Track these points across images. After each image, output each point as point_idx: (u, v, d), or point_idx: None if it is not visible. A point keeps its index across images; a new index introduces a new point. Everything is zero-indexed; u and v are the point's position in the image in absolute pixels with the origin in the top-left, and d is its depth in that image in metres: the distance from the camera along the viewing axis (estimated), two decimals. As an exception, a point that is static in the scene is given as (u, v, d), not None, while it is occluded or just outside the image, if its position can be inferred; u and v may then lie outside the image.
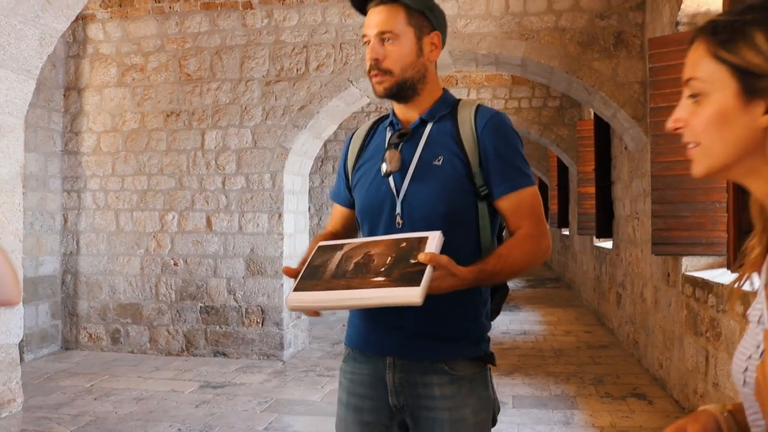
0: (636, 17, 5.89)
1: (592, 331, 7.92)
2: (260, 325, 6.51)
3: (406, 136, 1.74)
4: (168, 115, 6.82)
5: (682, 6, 4.68)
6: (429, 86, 1.76)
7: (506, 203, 1.66)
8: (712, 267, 4.72)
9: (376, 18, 1.68)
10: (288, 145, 6.49)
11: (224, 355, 6.58)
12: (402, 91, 1.72)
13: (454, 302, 1.66)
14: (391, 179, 1.72)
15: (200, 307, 6.67)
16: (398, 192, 1.70)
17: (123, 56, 6.98)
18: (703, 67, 0.90)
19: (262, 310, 6.51)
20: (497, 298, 1.81)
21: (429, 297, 1.56)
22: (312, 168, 7.42)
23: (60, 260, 7.10)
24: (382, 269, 1.47)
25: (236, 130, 6.64)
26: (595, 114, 7.66)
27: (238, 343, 6.56)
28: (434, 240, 1.48)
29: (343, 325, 8.53)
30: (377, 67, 1.69)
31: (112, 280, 6.93)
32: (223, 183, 6.65)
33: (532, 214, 1.66)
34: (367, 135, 1.90)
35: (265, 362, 6.38)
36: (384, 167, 1.72)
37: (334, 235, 1.85)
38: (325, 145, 11.07)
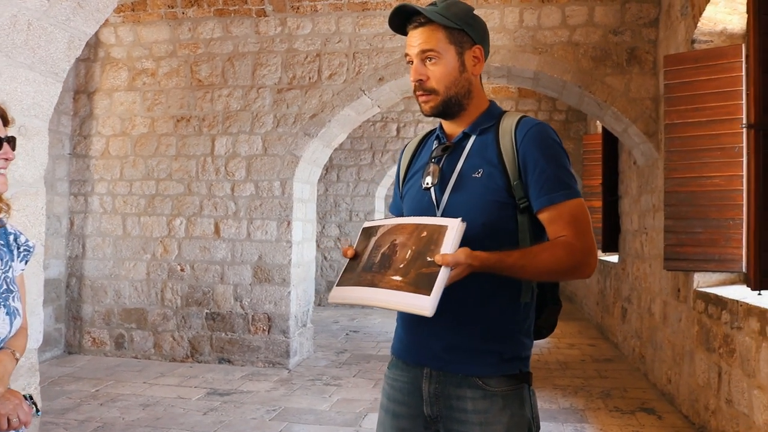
0: (649, 34, 5.92)
1: (596, 344, 7.92)
2: (266, 332, 6.48)
3: (449, 150, 1.76)
4: (178, 121, 6.82)
5: (699, 24, 4.71)
6: (475, 100, 1.77)
7: (545, 216, 1.63)
8: (723, 283, 4.73)
9: (417, 39, 1.70)
10: (299, 153, 6.49)
11: (229, 362, 6.55)
12: (448, 108, 1.74)
13: (490, 316, 1.66)
14: (432, 192, 1.73)
15: (206, 313, 6.64)
16: (438, 205, 1.71)
17: (134, 60, 6.98)
18: None
19: (269, 318, 6.49)
20: (547, 312, 1.79)
21: (466, 310, 1.65)
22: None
23: (65, 264, 7.07)
24: (401, 266, 1.50)
25: (247, 136, 6.63)
26: (603, 128, 7.68)
27: (244, 351, 6.53)
28: (452, 231, 1.47)
29: (347, 334, 8.53)
30: (422, 88, 1.71)
31: (118, 285, 6.90)
32: (232, 189, 6.64)
33: (574, 226, 1.60)
34: (417, 148, 1.92)
35: (270, 370, 6.35)
36: (425, 181, 1.74)
37: None
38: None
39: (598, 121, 8.66)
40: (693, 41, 4.84)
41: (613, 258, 8.06)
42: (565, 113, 10.51)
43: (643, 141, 5.90)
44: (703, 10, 4.58)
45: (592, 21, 6.03)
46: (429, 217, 1.62)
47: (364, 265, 1.59)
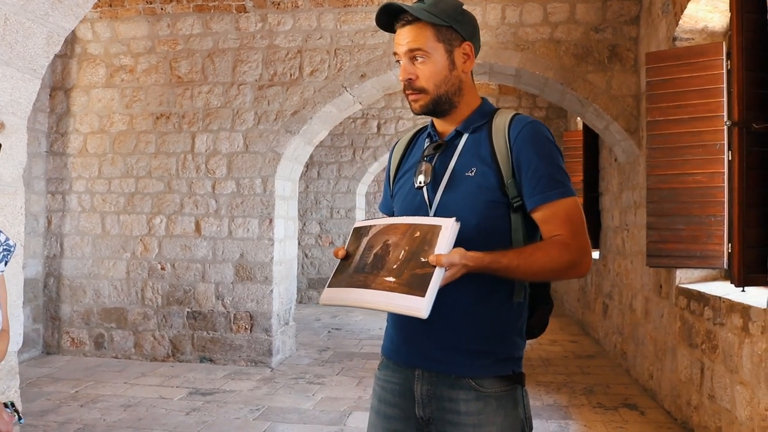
0: (630, 31, 5.95)
1: (577, 341, 7.97)
2: (248, 331, 6.43)
3: (441, 148, 1.74)
4: (158, 118, 6.73)
5: (680, 22, 4.74)
6: (466, 98, 1.74)
7: (539, 215, 1.62)
8: (705, 280, 4.77)
9: (405, 37, 1.67)
10: (280, 150, 6.44)
11: (211, 361, 6.49)
12: (438, 106, 1.71)
13: (483, 316, 1.65)
14: (424, 191, 1.70)
15: (187, 312, 6.57)
16: (431, 204, 1.69)
17: (112, 57, 6.88)
18: None
19: (251, 316, 6.44)
20: (539, 312, 1.77)
21: (457, 310, 1.62)
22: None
23: (43, 263, 6.95)
24: (395, 266, 1.47)
25: (227, 134, 6.57)
26: (584, 125, 7.72)
27: (226, 349, 6.47)
28: (447, 231, 1.45)
29: (329, 332, 8.49)
30: (411, 87, 1.69)
31: (97, 284, 6.80)
32: (213, 187, 6.57)
33: (568, 225, 1.59)
34: (407, 146, 1.89)
35: (253, 369, 6.30)
36: (417, 180, 1.71)
37: None
38: (309, 150, 11.03)
39: (578, 118, 8.70)
40: (674, 39, 4.87)
41: (594, 254, 8.11)
42: (545, 110, 10.55)
43: (624, 138, 5.94)
44: (685, 7, 4.61)
45: (573, 18, 6.05)
46: (422, 217, 1.59)
47: (356, 266, 1.56)
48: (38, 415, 4.78)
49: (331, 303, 1.58)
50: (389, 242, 1.53)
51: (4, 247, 1.86)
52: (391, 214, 1.89)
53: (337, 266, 1.63)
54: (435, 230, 1.47)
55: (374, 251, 1.55)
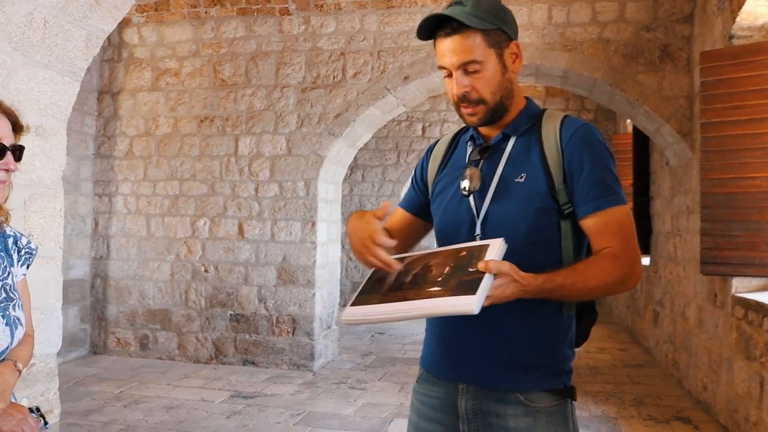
0: (683, 30, 5.73)
1: (626, 348, 7.72)
2: (291, 334, 6.41)
3: (488, 152, 1.64)
4: (201, 121, 6.77)
5: (738, 19, 4.52)
6: (515, 99, 1.65)
7: (590, 223, 1.53)
8: (764, 289, 4.54)
9: (454, 48, 1.55)
10: (323, 153, 6.41)
11: (253, 364, 6.49)
12: (495, 115, 1.62)
13: (532, 327, 1.56)
14: (471, 198, 1.61)
15: (230, 314, 6.59)
16: (478, 212, 1.60)
17: (157, 60, 6.95)
18: None
19: (293, 320, 6.41)
20: (584, 323, 1.67)
21: (505, 321, 1.54)
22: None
23: (90, 264, 7.06)
24: (439, 279, 1.38)
25: (270, 136, 6.56)
26: (634, 128, 7.49)
27: (268, 353, 6.46)
28: (495, 247, 1.39)
29: (372, 336, 8.42)
30: (467, 99, 1.58)
31: (142, 286, 6.88)
32: (256, 190, 6.58)
33: (619, 235, 1.51)
34: (448, 148, 1.80)
35: (295, 372, 6.28)
36: (464, 185, 1.62)
37: (387, 233, 1.59)
38: (353, 153, 10.98)
39: (628, 120, 8.46)
40: (731, 37, 4.65)
41: (645, 260, 7.85)
42: (593, 112, 10.31)
43: (676, 141, 5.72)
44: (743, 4, 4.40)
45: (623, 17, 5.85)
46: (466, 243, 1.52)
47: (391, 286, 1.46)
48: (83, 415, 4.83)
49: (357, 322, 1.44)
50: (431, 264, 1.46)
51: (26, 250, 1.82)
52: (413, 211, 1.84)
53: (360, 289, 1.52)
54: (483, 248, 1.41)
55: (413, 272, 1.46)
